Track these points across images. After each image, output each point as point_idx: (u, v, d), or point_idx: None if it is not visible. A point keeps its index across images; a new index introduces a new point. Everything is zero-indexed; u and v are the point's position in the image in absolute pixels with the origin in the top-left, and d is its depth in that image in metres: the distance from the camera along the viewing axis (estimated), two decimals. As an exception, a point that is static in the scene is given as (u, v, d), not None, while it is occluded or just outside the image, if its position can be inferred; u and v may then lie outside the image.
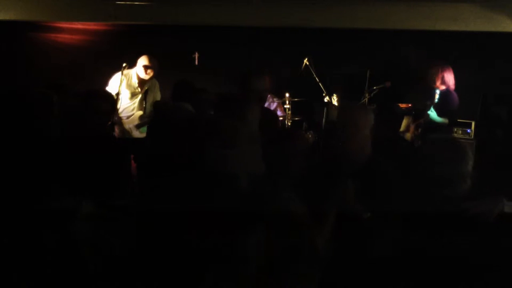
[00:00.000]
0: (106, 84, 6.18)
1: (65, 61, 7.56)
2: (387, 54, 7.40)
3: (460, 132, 6.58)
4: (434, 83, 6.11)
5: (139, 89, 6.21)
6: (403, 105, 6.42)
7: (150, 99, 6.16)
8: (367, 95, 6.52)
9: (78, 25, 7.78)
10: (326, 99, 6.67)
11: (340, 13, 7.13)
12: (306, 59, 6.68)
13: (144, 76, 6.11)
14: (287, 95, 6.69)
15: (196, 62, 7.54)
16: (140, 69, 6.11)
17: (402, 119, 5.22)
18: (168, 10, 7.25)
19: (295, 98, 6.76)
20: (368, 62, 7.04)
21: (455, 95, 6.12)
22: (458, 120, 6.44)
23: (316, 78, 6.65)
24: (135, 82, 6.17)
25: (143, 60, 6.13)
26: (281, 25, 7.26)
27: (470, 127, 6.56)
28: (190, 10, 7.19)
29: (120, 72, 6.03)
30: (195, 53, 7.53)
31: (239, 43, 7.55)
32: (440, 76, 6.07)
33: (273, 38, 7.50)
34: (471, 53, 7.17)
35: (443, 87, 6.11)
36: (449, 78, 6.11)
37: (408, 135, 5.54)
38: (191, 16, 7.24)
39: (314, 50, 6.90)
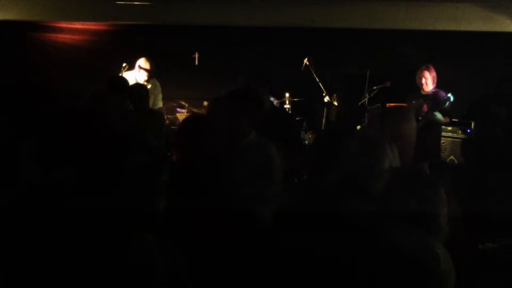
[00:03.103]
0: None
1: (65, 61, 7.57)
2: (387, 54, 7.41)
3: (460, 132, 6.59)
4: (422, 81, 6.08)
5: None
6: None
7: (151, 100, 6.13)
8: (367, 95, 6.53)
9: (78, 25, 7.78)
10: (326, 99, 6.68)
11: (340, 13, 7.13)
12: (306, 59, 6.69)
13: (140, 78, 6.05)
14: (287, 95, 6.71)
15: (196, 62, 7.54)
16: (136, 71, 6.08)
17: None
18: (168, 10, 7.25)
19: (295, 98, 6.79)
20: (368, 62, 7.05)
21: (443, 94, 6.10)
22: (458, 120, 6.45)
23: (316, 78, 6.66)
24: None
25: (138, 62, 6.09)
26: (281, 25, 7.26)
27: (470, 127, 6.56)
28: (190, 10, 7.19)
29: (120, 74, 6.02)
30: (195, 53, 7.52)
31: (239, 43, 7.55)
32: (426, 77, 6.05)
33: (273, 38, 7.50)
34: (471, 53, 7.17)
35: (430, 88, 6.09)
36: (434, 78, 6.10)
37: None
38: (191, 16, 7.24)
39: (314, 50, 6.90)
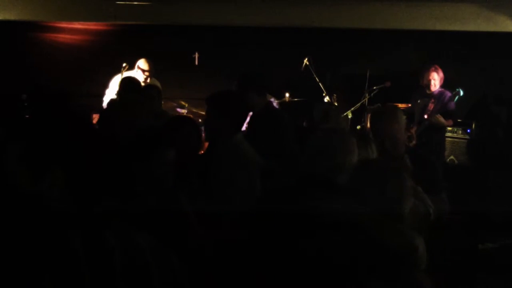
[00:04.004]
0: (106, 85, 6.17)
1: (65, 61, 7.57)
2: (387, 54, 7.41)
3: (460, 132, 6.59)
4: (430, 81, 6.04)
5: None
6: (402, 105, 6.43)
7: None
8: (367, 95, 6.52)
9: (78, 25, 7.79)
10: (326, 99, 6.67)
11: (340, 13, 7.13)
12: (306, 59, 6.68)
13: (140, 79, 6.04)
14: (287, 95, 6.70)
15: (196, 62, 7.54)
16: (136, 71, 6.08)
17: None
18: (168, 10, 7.25)
19: (295, 98, 6.78)
20: (368, 62, 7.04)
21: (449, 93, 6.05)
22: (458, 120, 6.44)
23: (316, 78, 6.65)
24: None
25: (138, 63, 6.09)
26: (281, 25, 7.26)
27: (470, 127, 6.56)
28: (190, 10, 7.19)
29: (120, 74, 6.02)
30: (195, 53, 7.52)
31: (239, 43, 7.55)
32: (435, 79, 6.01)
33: (273, 38, 7.50)
34: (471, 53, 7.17)
35: (437, 87, 6.06)
36: (442, 78, 6.06)
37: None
38: (191, 16, 7.24)
39: (314, 50, 6.89)
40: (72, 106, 3.93)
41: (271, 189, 2.84)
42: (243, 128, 3.67)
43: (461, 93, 5.78)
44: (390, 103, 6.74)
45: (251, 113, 4.13)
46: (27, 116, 3.90)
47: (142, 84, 6.00)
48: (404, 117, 3.65)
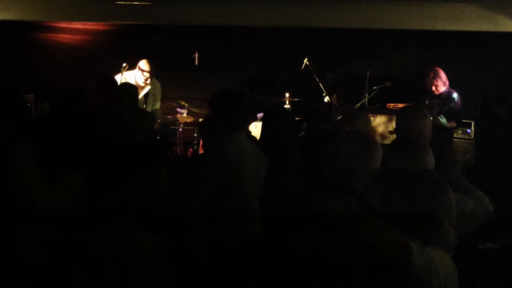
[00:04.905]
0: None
1: (65, 61, 7.57)
2: (387, 54, 7.41)
3: (460, 132, 6.58)
4: (432, 86, 6.00)
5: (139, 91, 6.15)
6: (403, 106, 6.42)
7: (150, 101, 6.13)
8: (367, 95, 6.52)
9: (78, 25, 7.79)
10: (326, 99, 6.67)
11: (340, 13, 7.14)
12: (306, 59, 6.68)
13: (140, 79, 6.03)
14: (287, 95, 6.70)
15: (196, 62, 7.54)
16: (136, 71, 6.07)
17: None
18: (168, 10, 7.25)
19: (295, 98, 6.78)
20: (368, 62, 7.04)
21: (455, 93, 6.01)
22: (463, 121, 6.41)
23: (316, 78, 6.65)
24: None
25: (139, 64, 6.07)
26: (281, 25, 7.26)
27: (470, 127, 6.56)
28: (190, 10, 7.19)
29: (120, 74, 6.02)
30: (195, 53, 7.53)
31: (239, 43, 7.55)
32: (436, 85, 5.98)
33: (273, 38, 7.50)
34: (471, 53, 7.17)
35: (443, 89, 6.02)
36: (446, 82, 6.02)
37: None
38: (191, 16, 7.24)
39: (314, 50, 6.90)
40: (84, 106, 3.92)
41: (279, 191, 2.82)
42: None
43: (456, 98, 5.78)
44: (390, 103, 6.76)
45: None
46: (41, 116, 3.89)
47: (142, 84, 6.01)
48: (430, 116, 3.61)
